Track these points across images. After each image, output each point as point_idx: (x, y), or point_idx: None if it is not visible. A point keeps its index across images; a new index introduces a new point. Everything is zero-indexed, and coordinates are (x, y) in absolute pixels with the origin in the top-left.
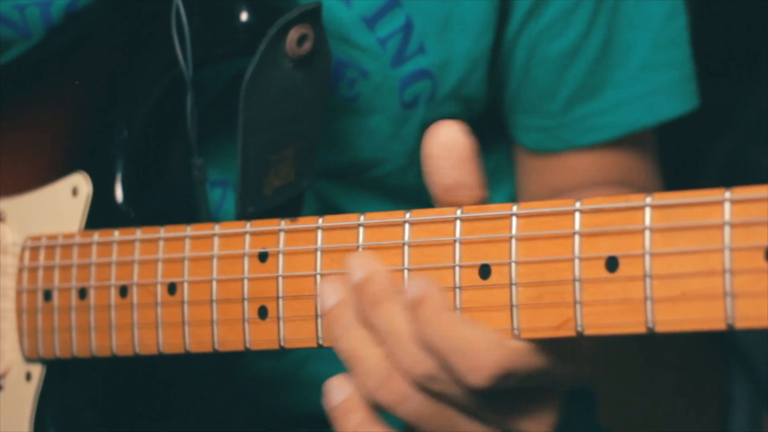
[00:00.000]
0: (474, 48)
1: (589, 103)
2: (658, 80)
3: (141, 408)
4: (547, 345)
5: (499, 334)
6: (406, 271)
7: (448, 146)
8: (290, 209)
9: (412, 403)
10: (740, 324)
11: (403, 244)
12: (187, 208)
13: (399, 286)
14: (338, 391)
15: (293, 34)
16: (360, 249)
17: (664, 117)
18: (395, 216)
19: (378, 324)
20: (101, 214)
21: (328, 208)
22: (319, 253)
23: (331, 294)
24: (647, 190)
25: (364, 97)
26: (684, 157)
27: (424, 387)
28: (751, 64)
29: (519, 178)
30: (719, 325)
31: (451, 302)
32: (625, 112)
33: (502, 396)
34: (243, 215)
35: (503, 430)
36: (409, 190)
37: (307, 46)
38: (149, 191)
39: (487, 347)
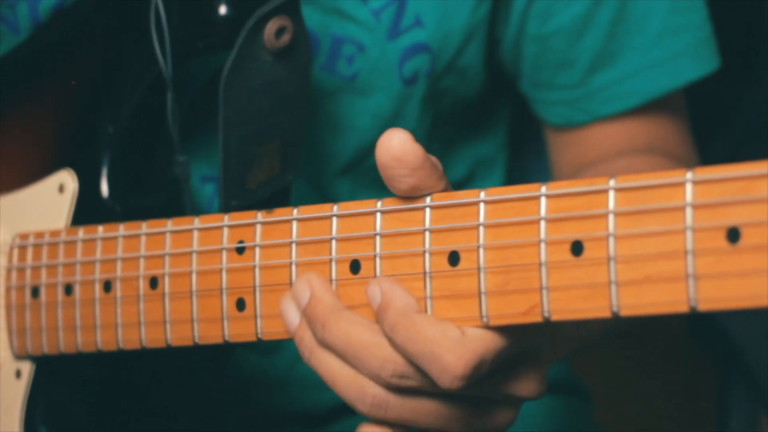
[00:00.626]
0: (471, 19)
1: (609, 71)
2: (677, 44)
3: (132, 406)
4: (513, 329)
5: (459, 330)
6: (378, 259)
7: (399, 156)
8: (277, 203)
9: (395, 407)
10: (703, 306)
11: (375, 234)
12: (174, 205)
13: (339, 303)
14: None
15: (271, 27)
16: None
17: (687, 80)
18: (367, 205)
19: (333, 343)
20: (88, 211)
21: (322, 195)
22: (294, 245)
23: (292, 315)
24: (678, 156)
25: (363, 75)
26: None
27: (400, 387)
28: (751, 63)
29: (550, 156)
30: (682, 308)
31: (421, 290)
32: (646, 78)
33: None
34: (227, 209)
35: (492, 400)
36: None
37: (286, 38)
38: (136, 187)
39: (452, 347)
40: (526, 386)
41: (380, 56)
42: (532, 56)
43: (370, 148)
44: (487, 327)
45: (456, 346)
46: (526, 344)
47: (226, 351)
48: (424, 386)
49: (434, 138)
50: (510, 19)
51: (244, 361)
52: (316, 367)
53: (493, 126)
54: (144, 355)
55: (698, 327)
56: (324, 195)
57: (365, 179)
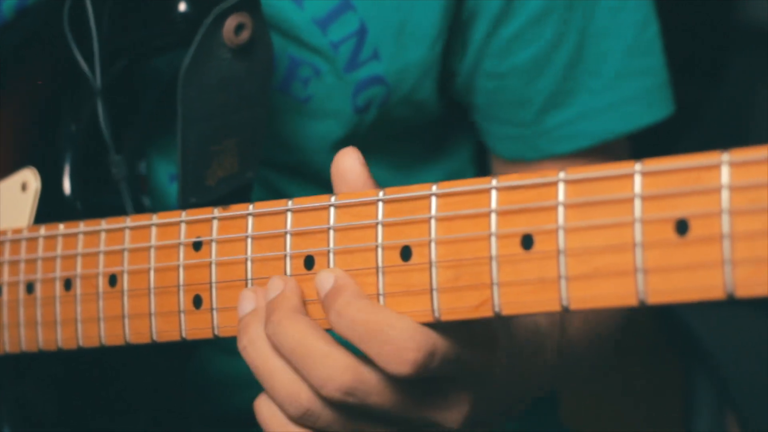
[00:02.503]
0: (428, 55)
1: (564, 111)
2: (632, 88)
3: (95, 406)
4: (460, 329)
5: (413, 320)
6: (331, 254)
7: (344, 174)
8: (237, 200)
9: (326, 420)
10: (652, 299)
11: (329, 229)
12: (136, 203)
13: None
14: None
15: (230, 23)
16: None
17: (639, 125)
18: (321, 200)
19: (283, 341)
20: (51, 209)
21: (277, 197)
22: (249, 240)
23: (246, 303)
24: None
25: (316, 100)
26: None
27: (338, 403)
28: (717, 64)
29: None
30: (631, 301)
31: (374, 285)
32: (600, 120)
33: (417, 389)
34: (185, 206)
35: (416, 426)
36: None
37: (245, 35)
38: (97, 186)
39: (406, 331)
40: (450, 414)
41: (335, 84)
42: (486, 92)
43: (312, 165)
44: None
45: (411, 330)
46: (467, 360)
47: (190, 349)
48: (363, 406)
49: (399, 152)
50: (466, 54)
51: (209, 360)
52: (252, 357)
53: (457, 143)
54: (108, 354)
55: (664, 326)
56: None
57: (315, 181)
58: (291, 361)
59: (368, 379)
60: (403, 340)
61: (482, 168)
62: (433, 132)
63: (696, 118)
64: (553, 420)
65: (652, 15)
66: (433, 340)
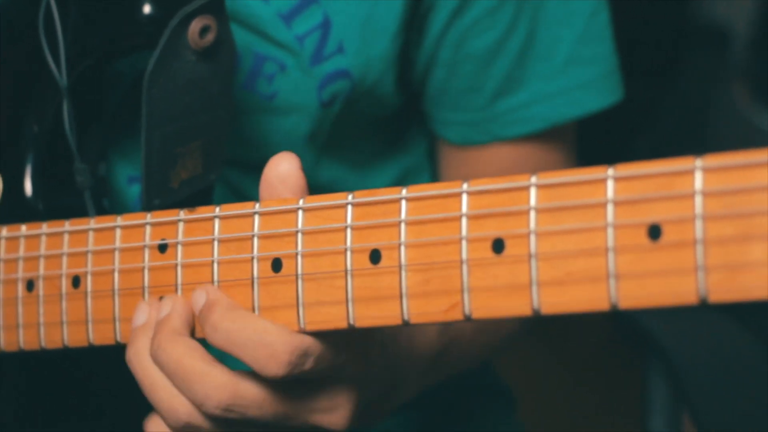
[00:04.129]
0: (391, 48)
1: (515, 96)
2: (582, 74)
3: (58, 406)
4: (335, 336)
5: (284, 326)
6: (299, 257)
7: (283, 178)
8: (199, 202)
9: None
10: (624, 304)
11: (297, 231)
12: (99, 205)
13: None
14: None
15: (195, 26)
16: (255, 237)
17: (589, 110)
18: (289, 203)
19: (165, 362)
20: (12, 210)
21: (240, 198)
22: (216, 242)
23: (140, 315)
24: None
25: (282, 96)
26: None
27: (219, 418)
28: (673, 63)
29: (440, 171)
30: (603, 306)
31: (342, 288)
32: (550, 105)
33: (295, 396)
34: (149, 207)
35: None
36: (321, 185)
37: (210, 37)
38: (59, 187)
39: (279, 335)
40: (334, 416)
41: (301, 79)
42: (440, 80)
43: None
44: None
45: (283, 335)
46: (343, 365)
47: None
48: (244, 419)
49: (358, 149)
50: (423, 45)
51: None
52: (136, 370)
53: (414, 137)
54: (72, 357)
55: (621, 326)
56: (242, 196)
57: None
58: (172, 380)
59: (245, 393)
60: (276, 344)
61: (436, 161)
62: (392, 126)
63: (652, 116)
64: (511, 419)
65: (602, 3)
66: (307, 343)
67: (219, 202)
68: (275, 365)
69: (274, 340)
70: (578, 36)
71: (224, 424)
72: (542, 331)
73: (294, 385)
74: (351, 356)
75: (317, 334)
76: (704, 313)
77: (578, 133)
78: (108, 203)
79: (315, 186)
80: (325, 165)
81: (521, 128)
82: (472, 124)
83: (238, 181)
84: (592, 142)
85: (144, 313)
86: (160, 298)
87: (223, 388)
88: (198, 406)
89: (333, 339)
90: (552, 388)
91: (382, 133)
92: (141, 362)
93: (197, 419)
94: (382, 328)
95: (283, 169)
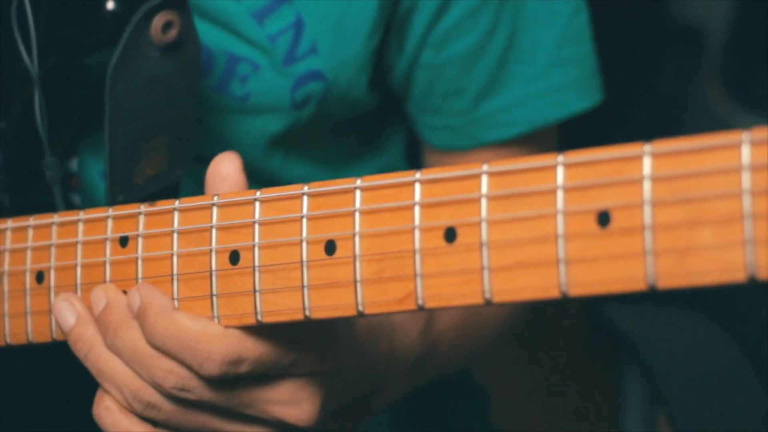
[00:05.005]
0: (364, 50)
1: (497, 99)
2: (564, 75)
3: (24, 405)
4: (276, 331)
5: (219, 326)
6: (256, 248)
7: (223, 176)
8: (166, 198)
9: (167, 412)
10: (574, 291)
11: (254, 223)
12: (65, 200)
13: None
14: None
15: (157, 21)
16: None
17: (570, 112)
18: (247, 194)
19: (121, 348)
20: None
21: None
22: (175, 235)
23: (68, 314)
24: None
25: (255, 97)
26: None
27: (178, 397)
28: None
29: None
30: (554, 293)
31: (299, 279)
32: (532, 107)
33: (248, 386)
34: (113, 204)
35: (258, 419)
36: (291, 182)
37: (173, 33)
38: (26, 183)
39: (214, 337)
40: (299, 411)
41: (274, 79)
42: (422, 83)
43: (253, 161)
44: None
45: (217, 338)
46: (289, 362)
47: None
48: (198, 399)
49: (331, 149)
50: (405, 48)
51: None
52: (94, 363)
53: (390, 137)
54: (40, 356)
55: (595, 325)
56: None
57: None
58: (131, 365)
59: (191, 376)
60: (210, 347)
61: (415, 164)
62: (367, 126)
63: (629, 116)
64: (485, 419)
65: (582, 4)
66: (239, 347)
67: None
68: (211, 366)
69: (207, 345)
70: (559, 37)
71: (183, 404)
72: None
73: (244, 378)
74: (304, 354)
75: (260, 335)
76: (678, 312)
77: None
78: (80, 199)
79: (287, 179)
80: (296, 163)
81: (504, 132)
82: (456, 129)
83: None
84: (569, 142)
85: (70, 312)
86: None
87: (176, 372)
88: (155, 387)
89: (278, 339)
90: (527, 388)
91: (356, 133)
92: (97, 354)
93: (156, 399)
94: (349, 326)
95: (223, 169)
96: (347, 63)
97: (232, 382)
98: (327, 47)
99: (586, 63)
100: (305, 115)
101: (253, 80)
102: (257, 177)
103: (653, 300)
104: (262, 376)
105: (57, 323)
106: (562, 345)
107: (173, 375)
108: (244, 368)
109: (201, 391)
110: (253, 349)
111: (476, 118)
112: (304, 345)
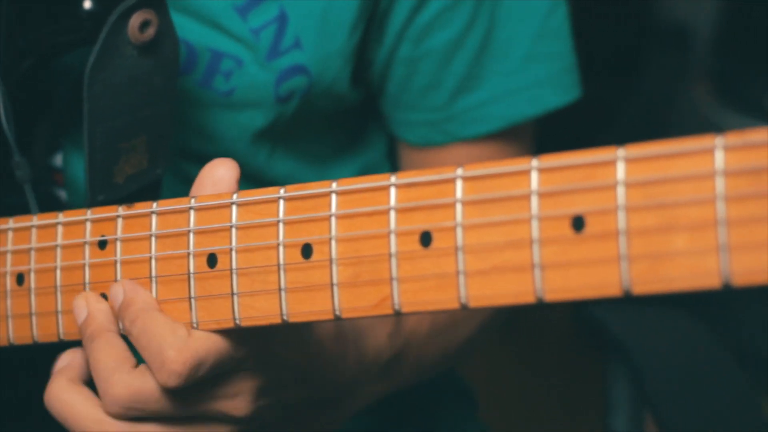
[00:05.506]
0: (347, 45)
1: (474, 94)
2: (541, 71)
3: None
4: (237, 332)
5: (187, 331)
6: (233, 252)
7: (216, 181)
8: (147, 197)
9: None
10: (550, 296)
11: (231, 227)
12: (44, 202)
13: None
14: None
15: (135, 20)
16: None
17: (547, 107)
18: (223, 198)
19: (90, 358)
20: None
21: None
22: (153, 239)
23: (82, 311)
24: None
25: (239, 92)
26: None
27: (128, 413)
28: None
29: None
30: (529, 298)
31: (275, 283)
32: (509, 103)
33: (194, 392)
34: (93, 203)
35: (210, 419)
36: (277, 179)
37: (151, 31)
38: (4, 186)
39: (176, 344)
40: (235, 402)
41: (258, 74)
42: (400, 77)
43: (237, 155)
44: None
45: (180, 344)
46: (241, 359)
47: None
48: (146, 415)
49: (315, 144)
50: (383, 42)
51: None
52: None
53: (374, 135)
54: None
55: (582, 325)
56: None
57: None
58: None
59: (145, 390)
60: (170, 356)
61: (397, 163)
62: (351, 123)
63: (615, 116)
64: (473, 418)
65: (560, 1)
66: (202, 351)
67: (173, 195)
68: (165, 374)
69: (168, 350)
70: (536, 32)
71: (133, 423)
72: (504, 330)
73: (201, 381)
74: (253, 348)
75: (224, 335)
76: (666, 312)
77: (540, 133)
78: (67, 195)
79: (271, 180)
80: (280, 159)
81: (480, 127)
82: (432, 124)
83: (194, 173)
84: (554, 141)
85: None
86: (102, 294)
87: (125, 387)
88: (105, 407)
89: (237, 344)
90: (514, 388)
91: (340, 129)
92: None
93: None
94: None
95: (218, 173)
96: (331, 57)
97: (188, 388)
98: (311, 41)
99: (564, 59)
100: (289, 109)
101: (237, 76)
102: (242, 172)
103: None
104: (218, 375)
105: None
106: (550, 345)
107: (119, 394)
108: (202, 372)
109: (144, 405)
110: (213, 351)
111: (452, 114)
112: (252, 339)
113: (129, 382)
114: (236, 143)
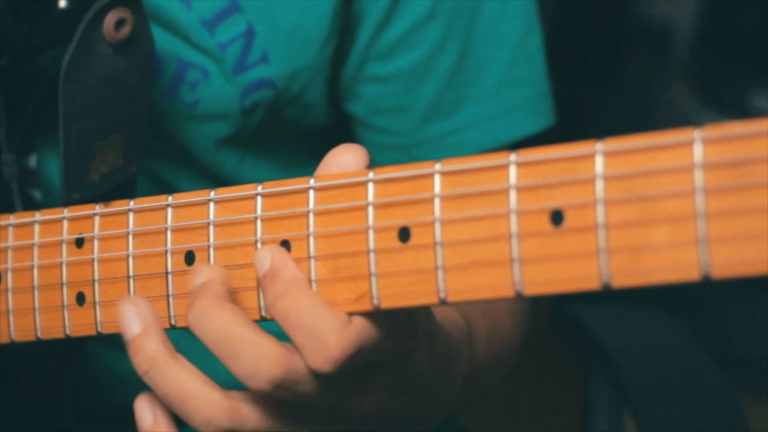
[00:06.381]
0: (317, 59)
1: (446, 121)
2: (515, 97)
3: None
4: (388, 318)
5: (346, 314)
6: (211, 249)
7: (343, 168)
8: (122, 195)
9: (252, 422)
10: (529, 290)
11: (208, 224)
12: (25, 200)
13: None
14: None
15: (110, 19)
16: (168, 230)
17: (522, 134)
18: (201, 195)
19: (209, 330)
20: None
21: (165, 188)
22: (130, 236)
23: (132, 320)
24: None
25: (204, 103)
26: None
27: (267, 397)
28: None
29: None
30: (508, 292)
31: (254, 280)
32: (482, 130)
33: (347, 378)
34: (68, 202)
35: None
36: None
37: (126, 30)
38: None
39: (337, 328)
40: (366, 400)
41: (224, 87)
42: (368, 98)
43: (204, 161)
44: (377, 312)
45: (341, 327)
46: (390, 349)
47: (73, 347)
48: (292, 396)
49: (289, 152)
50: (349, 58)
51: (93, 354)
52: (156, 381)
53: (350, 141)
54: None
55: (562, 325)
56: (167, 187)
57: (204, 174)
58: (216, 351)
59: (300, 369)
60: (330, 339)
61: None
62: (325, 136)
63: (594, 115)
64: (450, 418)
65: (534, 24)
66: (362, 338)
67: (144, 194)
68: (322, 359)
69: (328, 333)
70: (510, 57)
71: (276, 408)
72: None
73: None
74: (395, 343)
75: (374, 321)
76: (645, 312)
77: None
78: (42, 196)
79: (240, 178)
80: (251, 165)
81: (453, 155)
82: (402, 149)
83: (163, 173)
84: (533, 140)
85: (135, 319)
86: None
87: (276, 359)
88: (245, 380)
89: (385, 325)
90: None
91: (315, 138)
92: (161, 371)
93: (241, 413)
94: (421, 319)
95: (345, 161)
96: (299, 71)
97: (336, 377)
98: (278, 56)
99: (538, 84)
100: (254, 120)
101: (203, 87)
102: (213, 178)
103: (619, 299)
104: (362, 367)
105: (120, 328)
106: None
107: (270, 366)
108: (358, 361)
109: (297, 384)
110: (373, 336)
111: (425, 139)
112: (395, 332)
113: (283, 354)
114: (202, 151)
